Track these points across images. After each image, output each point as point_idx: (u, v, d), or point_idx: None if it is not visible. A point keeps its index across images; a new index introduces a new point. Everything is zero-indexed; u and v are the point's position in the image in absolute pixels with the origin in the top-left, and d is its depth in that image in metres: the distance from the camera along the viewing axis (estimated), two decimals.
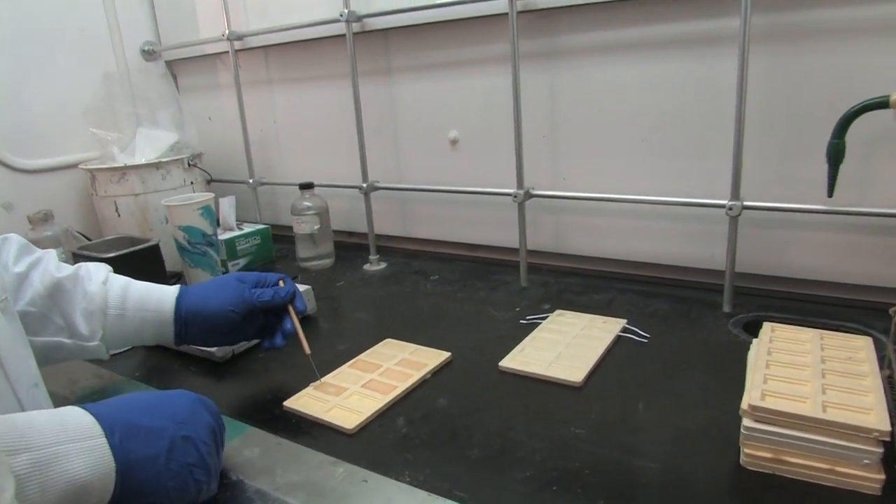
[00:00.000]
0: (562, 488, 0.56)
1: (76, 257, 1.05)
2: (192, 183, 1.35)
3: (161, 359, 0.90)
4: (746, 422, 0.56)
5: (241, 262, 1.31)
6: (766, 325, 0.73)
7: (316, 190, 1.26)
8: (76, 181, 1.39)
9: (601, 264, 1.12)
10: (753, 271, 0.96)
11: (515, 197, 1.02)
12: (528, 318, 0.93)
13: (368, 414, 0.70)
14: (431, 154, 1.23)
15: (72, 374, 0.83)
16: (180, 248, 1.16)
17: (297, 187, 1.25)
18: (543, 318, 0.92)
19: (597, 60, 1.00)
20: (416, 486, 0.57)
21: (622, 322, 0.88)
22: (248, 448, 0.62)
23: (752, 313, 0.90)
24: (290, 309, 0.79)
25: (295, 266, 1.29)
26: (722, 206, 0.87)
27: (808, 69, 0.85)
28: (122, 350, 0.90)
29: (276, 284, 0.79)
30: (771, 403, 0.55)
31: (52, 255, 0.72)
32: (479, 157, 1.17)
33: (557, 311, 0.94)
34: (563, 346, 0.83)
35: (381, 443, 0.65)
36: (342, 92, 1.23)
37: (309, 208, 1.24)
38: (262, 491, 0.55)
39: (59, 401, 0.78)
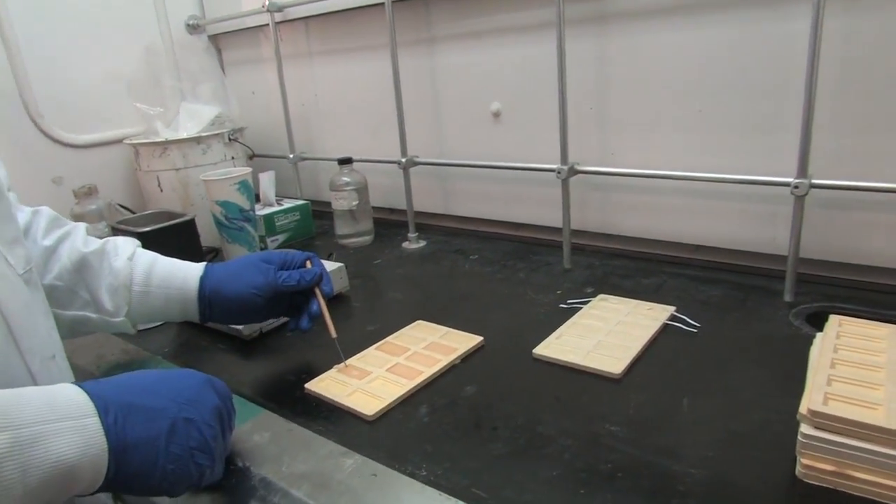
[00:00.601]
0: (590, 491, 0.51)
1: (115, 231, 1.05)
2: (232, 158, 1.34)
3: (191, 335, 0.89)
4: (805, 428, 0.49)
5: (280, 237, 1.29)
6: (833, 318, 0.65)
7: (355, 165, 1.23)
8: (122, 156, 1.40)
9: (651, 246, 1.04)
10: (820, 257, 0.87)
11: (559, 173, 0.96)
12: (568, 302, 0.88)
13: (390, 400, 0.66)
14: (473, 128, 1.17)
15: (100, 348, 0.83)
16: (218, 223, 1.15)
17: (336, 163, 1.22)
18: (585, 303, 0.86)
19: (650, 24, 0.92)
20: (431, 482, 0.53)
21: (670, 309, 0.82)
22: (258, 432, 0.59)
23: (818, 304, 0.81)
24: (317, 291, 0.76)
25: (333, 243, 1.26)
26: (787, 185, 0.79)
27: (894, 27, 0.75)
28: (151, 325, 0.90)
29: (303, 265, 0.77)
30: (835, 409, 0.48)
31: (80, 229, 0.72)
32: (522, 131, 1.11)
33: (600, 296, 0.88)
34: (604, 334, 0.77)
35: (401, 431, 0.62)
36: (383, 64, 1.18)
37: (347, 184, 1.21)
38: (266, 479, 0.52)
39: (83, 375, 0.78)
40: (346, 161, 1.21)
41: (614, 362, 0.70)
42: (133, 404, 0.45)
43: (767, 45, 0.83)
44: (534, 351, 0.74)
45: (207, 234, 1.23)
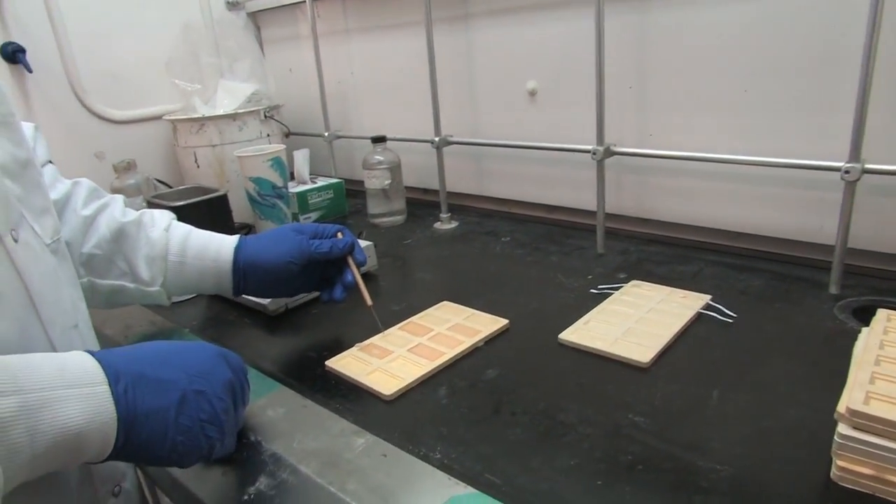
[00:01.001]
0: (608, 483, 0.49)
1: (150, 205, 1.07)
2: (268, 135, 1.34)
3: (219, 309, 0.90)
4: (842, 428, 0.46)
5: (313, 215, 1.29)
6: (882, 313, 0.61)
7: (389, 144, 1.22)
8: (161, 132, 1.42)
9: (688, 232, 1.00)
10: (870, 248, 0.82)
11: (594, 154, 0.92)
12: (599, 287, 0.85)
13: (409, 381, 0.65)
14: (508, 107, 1.15)
15: (128, 318, 0.84)
16: (251, 199, 1.16)
17: (370, 141, 1.21)
18: (616, 289, 0.83)
19: None
20: (443, 465, 0.52)
21: (705, 298, 0.78)
22: (273, 408, 0.59)
23: (866, 297, 0.76)
24: (350, 261, 0.76)
25: (366, 222, 1.26)
26: (837, 170, 0.74)
27: None
28: (185, 297, 0.91)
29: (334, 236, 0.77)
30: (876, 409, 0.45)
31: (118, 200, 0.74)
32: (559, 110, 1.07)
33: (633, 282, 0.85)
34: (634, 321, 0.74)
35: (418, 413, 0.61)
36: (418, 41, 1.16)
37: (380, 163, 1.20)
38: (276, 455, 0.52)
39: (110, 345, 0.79)
40: (379, 139, 1.20)
41: (643, 350, 0.67)
42: (144, 374, 0.45)
43: (820, 16, 0.78)
44: (559, 336, 0.72)
45: (241, 210, 1.24)
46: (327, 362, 0.71)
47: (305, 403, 0.60)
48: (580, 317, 0.76)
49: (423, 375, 0.67)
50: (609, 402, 0.60)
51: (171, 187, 1.33)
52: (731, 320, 0.73)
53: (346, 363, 0.70)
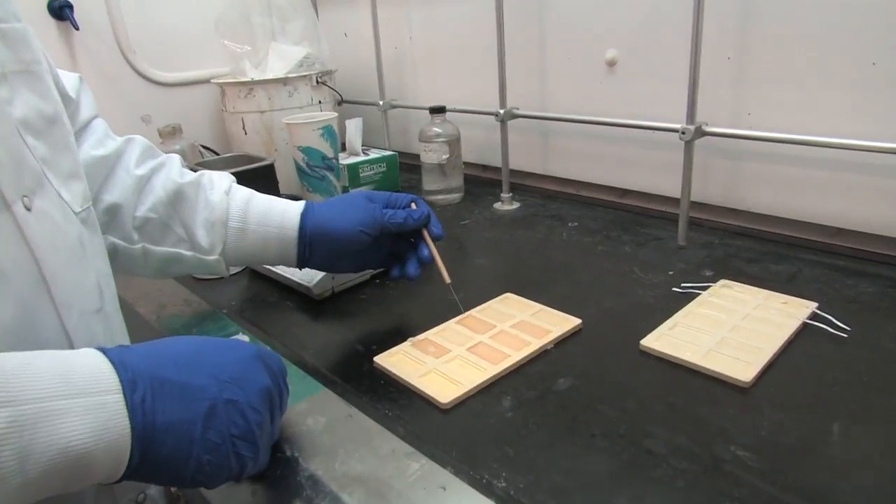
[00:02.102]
0: None
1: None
2: (319, 102, 1.27)
3: (260, 289, 0.84)
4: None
5: (365, 188, 1.21)
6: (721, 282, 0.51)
7: (448, 116, 1.13)
8: (210, 96, 1.36)
9: (785, 226, 0.89)
10: None
11: (683, 133, 0.82)
12: (683, 286, 0.75)
13: (469, 387, 0.57)
14: (583, 78, 1.04)
15: (162, 297, 0.78)
16: (299, 170, 1.09)
17: (428, 111, 1.12)
18: (704, 289, 0.73)
19: None
20: (509, 498, 0.44)
21: (811, 305, 0.67)
22: (313, 416, 0.52)
23: None
24: (425, 233, 0.70)
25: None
26: None
27: None
28: (241, 268, 0.87)
29: (408, 206, 0.70)
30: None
31: (175, 160, 0.67)
32: (640, 83, 0.96)
33: (722, 282, 0.74)
34: (728, 329, 0.64)
35: (479, 427, 0.53)
36: (485, 4, 1.06)
37: (438, 135, 1.11)
38: (315, 477, 0.45)
39: (140, 325, 0.74)
40: (438, 110, 1.11)
41: (743, 367, 0.57)
42: (167, 380, 0.38)
43: None
44: (641, 342, 0.63)
45: (289, 182, 1.18)
46: (376, 358, 0.63)
47: (351, 412, 0.52)
48: (663, 320, 0.67)
49: (485, 381, 0.58)
50: (705, 429, 0.51)
51: (217, 154, 1.27)
52: (845, 335, 0.63)
53: (398, 361, 0.63)
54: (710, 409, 0.53)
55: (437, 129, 1.11)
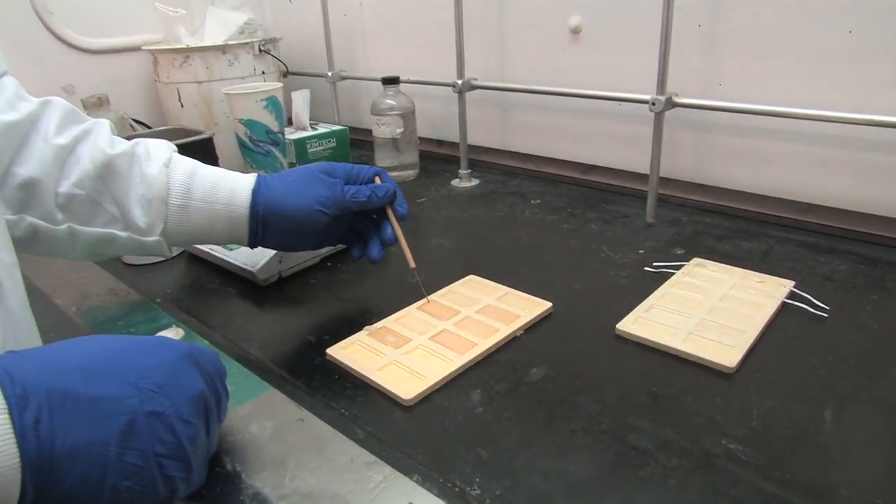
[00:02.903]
0: None
1: None
2: (263, 73, 1.18)
3: (199, 275, 0.76)
4: None
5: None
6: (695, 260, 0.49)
7: (402, 87, 1.06)
8: (141, 65, 1.25)
9: (755, 203, 0.86)
10: None
11: (653, 105, 0.77)
12: (655, 265, 0.71)
13: (434, 380, 0.52)
14: (545, 47, 0.98)
15: (85, 285, 0.70)
16: (241, 144, 1.01)
17: (381, 83, 1.05)
18: (677, 268, 0.69)
19: None
20: None
21: (788, 284, 0.64)
22: (258, 421, 0.45)
23: None
24: (390, 212, 0.64)
25: None
26: None
27: None
28: (182, 249, 0.80)
29: (371, 181, 0.64)
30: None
31: (104, 126, 0.58)
32: (606, 53, 0.91)
33: (696, 260, 0.71)
34: (706, 311, 0.60)
35: (447, 426, 0.47)
36: None
37: (392, 108, 1.04)
38: (261, 495, 0.38)
39: (57, 319, 0.65)
40: (391, 81, 1.04)
41: (725, 351, 0.54)
42: (70, 393, 0.31)
43: None
44: (617, 326, 0.58)
45: (231, 158, 1.09)
46: (329, 350, 0.57)
47: (302, 415, 0.46)
48: (637, 301, 0.63)
49: (451, 373, 0.53)
50: (692, 421, 0.47)
51: (149, 128, 1.17)
52: (825, 314, 0.60)
53: (353, 352, 0.57)
54: (696, 398, 0.49)
55: (390, 102, 1.04)
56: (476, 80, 1.01)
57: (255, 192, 0.60)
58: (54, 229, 0.54)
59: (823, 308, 0.60)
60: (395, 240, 0.64)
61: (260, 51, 1.16)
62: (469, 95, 1.02)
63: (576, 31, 0.93)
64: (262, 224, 0.60)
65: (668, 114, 0.80)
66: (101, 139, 0.56)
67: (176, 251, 0.80)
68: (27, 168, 0.52)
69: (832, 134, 0.75)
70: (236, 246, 0.76)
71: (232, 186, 0.59)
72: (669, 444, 0.44)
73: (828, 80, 0.73)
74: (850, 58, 0.71)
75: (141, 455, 0.32)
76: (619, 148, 0.95)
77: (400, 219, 0.65)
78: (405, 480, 0.40)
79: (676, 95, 0.78)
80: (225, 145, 1.08)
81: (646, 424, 0.46)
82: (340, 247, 0.77)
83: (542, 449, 0.44)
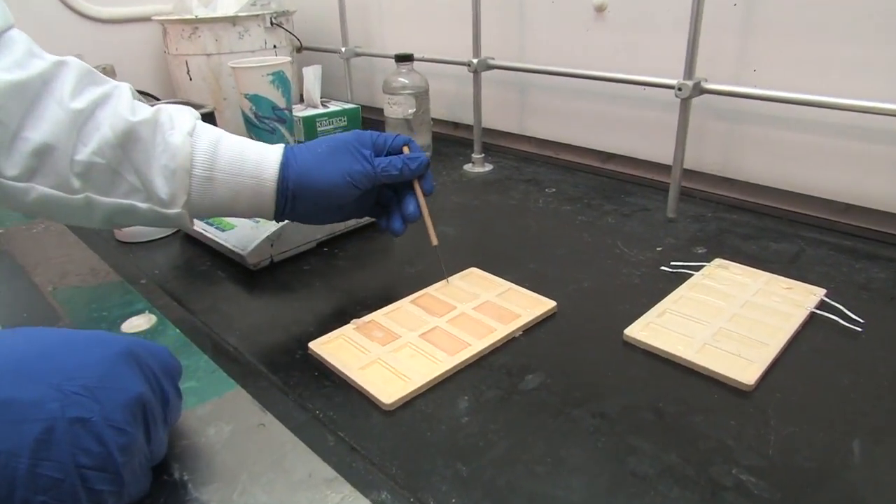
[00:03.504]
0: None
1: None
2: (274, 47, 1.14)
3: (192, 255, 0.73)
4: None
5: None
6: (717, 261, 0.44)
7: (417, 66, 1.01)
8: (151, 36, 1.22)
9: (787, 200, 0.79)
10: None
11: (680, 90, 0.71)
12: (672, 264, 0.65)
13: (419, 383, 0.48)
14: (567, 25, 0.92)
15: (67, 263, 0.66)
16: (246, 120, 0.97)
17: (394, 60, 1.00)
18: (696, 269, 0.64)
19: None
20: None
21: (818, 292, 0.59)
22: (216, 423, 0.41)
23: None
24: (417, 186, 0.61)
25: None
26: None
27: None
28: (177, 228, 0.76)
29: (400, 151, 0.61)
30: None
31: (124, 90, 0.53)
32: (633, 33, 0.85)
33: (717, 261, 0.65)
34: (725, 319, 0.55)
35: (427, 435, 0.43)
36: None
37: (405, 87, 0.99)
38: None
39: (32, 301, 0.62)
40: (405, 58, 0.99)
41: (744, 365, 0.48)
42: None
43: None
44: (625, 332, 0.53)
45: (240, 135, 1.05)
46: (311, 344, 0.53)
47: (265, 420, 0.42)
48: (650, 304, 0.57)
49: (439, 376, 0.49)
50: (700, 445, 0.42)
51: (158, 100, 1.14)
52: (858, 328, 0.54)
53: (336, 348, 0.53)
54: (707, 419, 0.44)
55: (403, 80, 0.99)
56: (493, 59, 0.95)
57: (284, 166, 0.56)
58: (70, 198, 0.50)
59: (857, 321, 0.54)
60: (419, 215, 0.61)
61: (272, 23, 1.11)
62: (486, 76, 0.97)
63: (601, 9, 0.87)
64: (292, 198, 0.57)
65: (695, 101, 0.73)
66: (122, 105, 0.52)
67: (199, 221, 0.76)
68: (40, 133, 0.47)
69: (876, 127, 0.68)
70: (230, 226, 0.72)
71: (259, 158, 0.56)
72: (672, 471, 0.39)
73: (875, 67, 0.66)
74: None
75: (59, 467, 0.29)
76: (643, 136, 0.89)
77: (426, 193, 0.61)
78: (365, 503, 0.36)
79: (705, 81, 0.72)
80: (234, 121, 1.05)
81: (647, 446, 0.41)
82: (364, 221, 0.76)
83: (530, 468, 0.40)
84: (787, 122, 0.74)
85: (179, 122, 0.54)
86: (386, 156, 0.60)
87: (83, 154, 0.49)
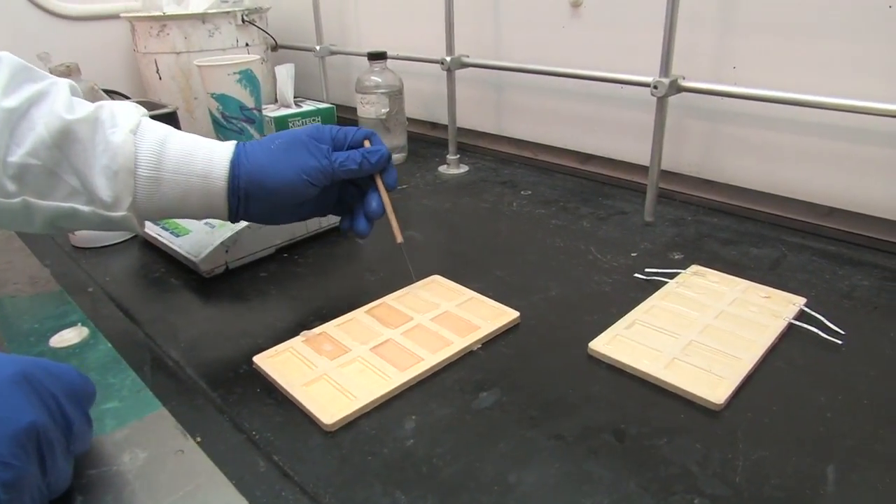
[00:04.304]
0: None
1: None
2: (247, 45, 1.11)
3: (149, 261, 0.69)
4: None
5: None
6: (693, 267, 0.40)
7: (391, 64, 0.98)
8: (121, 34, 1.18)
9: (769, 203, 0.76)
10: None
11: (655, 88, 0.68)
12: (647, 271, 0.62)
13: (365, 402, 0.44)
14: (543, 22, 0.89)
15: (6, 272, 0.63)
16: (214, 121, 0.94)
17: (367, 58, 0.97)
18: (671, 276, 0.61)
19: None
20: None
21: (798, 301, 0.55)
22: (132, 450, 0.38)
23: None
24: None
25: None
26: None
27: None
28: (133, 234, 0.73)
29: (360, 144, 0.58)
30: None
31: (62, 87, 0.50)
32: (609, 29, 0.82)
33: (693, 268, 0.62)
34: (697, 331, 0.52)
35: (368, 460, 0.40)
36: None
37: (378, 86, 0.96)
38: None
39: None
40: (378, 56, 0.96)
41: (714, 383, 0.45)
42: None
43: None
44: (590, 345, 0.50)
45: (209, 135, 1.02)
46: (255, 358, 0.50)
47: (184, 446, 0.38)
48: (621, 314, 0.54)
49: (387, 394, 0.45)
50: (661, 471, 0.38)
51: (126, 97, 1.10)
52: (839, 340, 0.51)
53: (281, 363, 0.49)
54: (671, 442, 0.41)
55: (376, 79, 0.96)
56: (468, 57, 0.92)
57: (235, 163, 0.53)
58: (6, 202, 0.47)
59: (838, 332, 0.51)
60: (382, 212, 0.58)
61: (243, 21, 1.08)
62: (462, 75, 0.94)
63: (576, 5, 0.84)
64: (246, 197, 0.53)
65: (673, 100, 0.70)
66: (59, 103, 0.48)
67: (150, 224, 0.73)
68: None
69: (862, 127, 0.65)
70: (186, 231, 0.69)
71: (207, 157, 0.52)
72: (629, 501, 0.36)
73: (860, 64, 0.63)
74: (887, 37, 0.61)
75: None
76: (622, 137, 0.86)
77: (389, 188, 0.58)
78: None
79: (683, 79, 0.69)
80: (205, 121, 1.01)
81: (605, 473, 0.38)
82: (328, 224, 0.73)
83: (474, 497, 0.37)
84: (769, 121, 0.71)
85: (122, 119, 0.51)
86: (346, 150, 0.57)
87: (16, 156, 0.46)
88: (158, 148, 0.51)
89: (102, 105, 0.52)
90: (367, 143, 0.58)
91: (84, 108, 0.50)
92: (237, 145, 0.54)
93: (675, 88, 0.68)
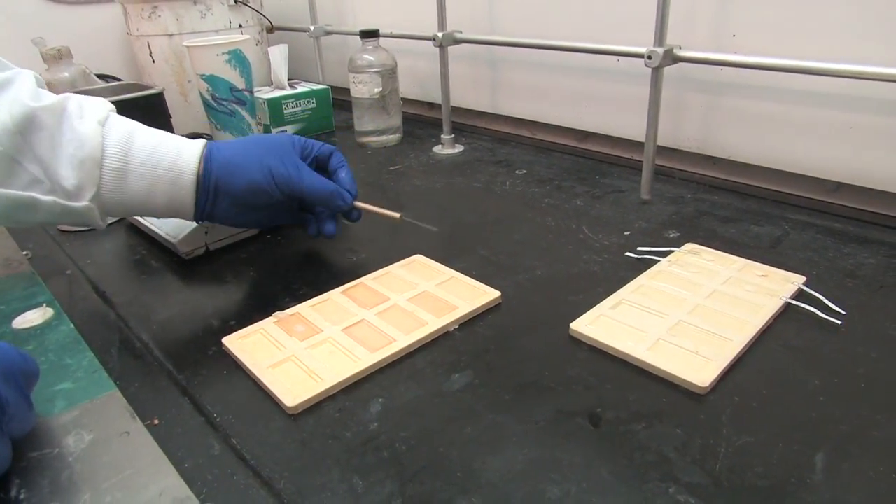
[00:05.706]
0: None
1: None
2: (240, 26, 1.09)
3: (133, 244, 0.68)
4: None
5: (290, 129, 1.04)
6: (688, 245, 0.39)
7: (384, 42, 0.95)
8: (116, 17, 1.17)
9: (772, 179, 0.73)
10: None
11: (649, 58, 0.65)
12: (639, 250, 0.59)
13: (331, 384, 0.42)
14: None
15: None
16: (205, 103, 0.92)
17: (359, 37, 0.94)
18: (664, 255, 0.58)
19: None
20: None
21: (797, 280, 0.52)
22: (77, 431, 0.36)
23: None
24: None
25: (353, 140, 1.01)
26: None
27: None
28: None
29: (327, 160, 0.61)
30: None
31: (27, 77, 0.50)
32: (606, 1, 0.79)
33: (688, 246, 0.59)
34: (686, 311, 0.49)
35: (329, 444, 0.38)
36: None
37: (370, 64, 0.93)
38: None
39: None
40: (370, 34, 0.93)
41: (700, 365, 0.43)
42: None
43: None
44: (571, 326, 0.48)
45: (203, 118, 1.00)
46: (225, 339, 0.48)
47: (131, 428, 0.36)
48: (608, 294, 0.52)
49: (355, 375, 0.44)
50: (637, 458, 0.36)
51: (118, 80, 1.09)
52: (838, 320, 0.48)
53: (251, 344, 0.48)
54: (649, 427, 0.38)
55: (368, 58, 0.93)
56: (460, 32, 0.89)
57: (207, 158, 0.53)
58: None
59: (837, 312, 0.48)
60: (335, 234, 0.61)
61: (236, 1, 1.06)
62: (456, 53, 0.91)
63: None
64: (214, 193, 0.54)
65: (671, 72, 0.67)
66: (24, 91, 0.48)
67: (110, 220, 0.72)
68: None
69: (871, 96, 0.61)
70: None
71: (176, 151, 0.52)
72: (603, 487, 0.34)
73: (869, 30, 0.59)
74: (893, 2, 0.57)
75: None
76: (620, 113, 0.83)
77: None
78: None
79: (679, 48, 0.65)
80: (199, 104, 1.00)
81: (575, 460, 0.36)
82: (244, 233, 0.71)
83: (434, 485, 0.35)
84: (772, 92, 0.68)
85: (90, 111, 0.50)
86: (312, 161, 0.59)
87: None
88: (126, 139, 0.51)
89: (69, 96, 0.51)
90: (342, 173, 0.61)
91: (49, 97, 0.50)
92: (207, 143, 0.55)
93: (671, 58, 0.65)
